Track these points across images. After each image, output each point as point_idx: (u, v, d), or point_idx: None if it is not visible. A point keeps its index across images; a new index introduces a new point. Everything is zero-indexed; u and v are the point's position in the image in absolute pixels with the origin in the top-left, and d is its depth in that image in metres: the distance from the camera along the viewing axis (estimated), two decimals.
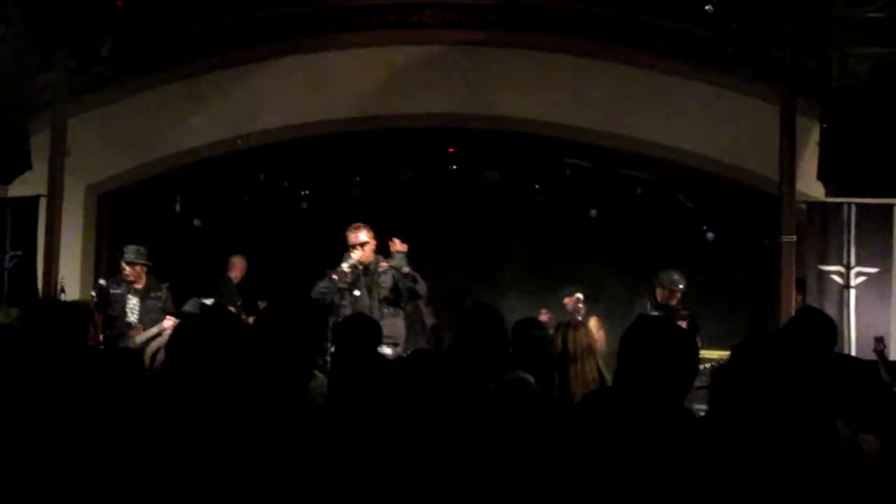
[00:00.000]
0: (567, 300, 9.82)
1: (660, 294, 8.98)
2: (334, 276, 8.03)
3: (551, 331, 5.34)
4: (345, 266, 8.04)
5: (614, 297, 10.20)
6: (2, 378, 3.70)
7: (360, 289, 8.09)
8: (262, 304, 10.25)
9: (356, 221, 8.38)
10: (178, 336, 3.50)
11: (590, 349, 5.12)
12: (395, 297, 8.26)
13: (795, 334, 4.81)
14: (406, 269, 8.17)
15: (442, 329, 5.88)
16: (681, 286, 9.01)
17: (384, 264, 8.27)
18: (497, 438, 3.06)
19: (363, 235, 8.21)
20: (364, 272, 8.19)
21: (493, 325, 5.10)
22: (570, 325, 5.33)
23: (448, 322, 6.53)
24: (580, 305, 9.81)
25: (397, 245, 8.31)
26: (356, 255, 8.10)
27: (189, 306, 8.52)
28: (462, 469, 2.84)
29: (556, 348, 5.28)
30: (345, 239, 8.28)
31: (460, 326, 5.18)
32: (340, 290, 8.02)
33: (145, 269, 9.12)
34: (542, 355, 5.11)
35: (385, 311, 8.10)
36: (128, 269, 9.01)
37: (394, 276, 8.20)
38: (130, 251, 9.07)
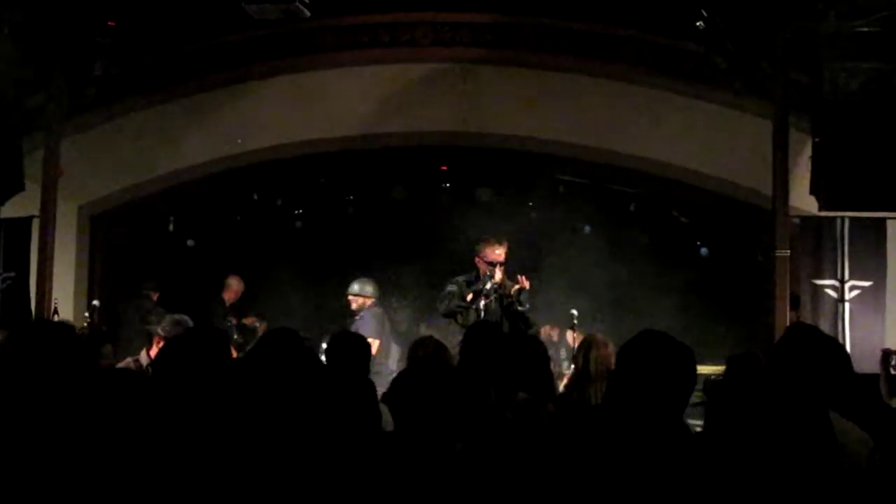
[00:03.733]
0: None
1: None
2: (468, 299, 7.64)
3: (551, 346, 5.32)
4: (488, 286, 7.62)
5: (610, 312, 10.19)
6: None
7: (489, 306, 7.63)
8: (250, 320, 10.33)
9: (489, 235, 7.94)
10: (162, 356, 3.52)
11: (610, 371, 5.06)
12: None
13: (787, 351, 4.78)
14: (527, 306, 7.81)
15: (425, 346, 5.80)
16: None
17: (520, 286, 7.84)
18: (509, 458, 3.05)
19: (502, 252, 7.76)
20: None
21: (496, 343, 5.06)
22: (593, 343, 5.30)
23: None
24: (575, 322, 9.74)
25: (524, 282, 7.87)
26: (497, 275, 7.67)
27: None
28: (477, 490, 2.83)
29: (576, 366, 5.26)
30: (476, 252, 7.86)
31: (465, 345, 5.14)
32: (470, 308, 7.64)
33: None
34: (544, 373, 5.08)
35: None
36: None
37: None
38: None
